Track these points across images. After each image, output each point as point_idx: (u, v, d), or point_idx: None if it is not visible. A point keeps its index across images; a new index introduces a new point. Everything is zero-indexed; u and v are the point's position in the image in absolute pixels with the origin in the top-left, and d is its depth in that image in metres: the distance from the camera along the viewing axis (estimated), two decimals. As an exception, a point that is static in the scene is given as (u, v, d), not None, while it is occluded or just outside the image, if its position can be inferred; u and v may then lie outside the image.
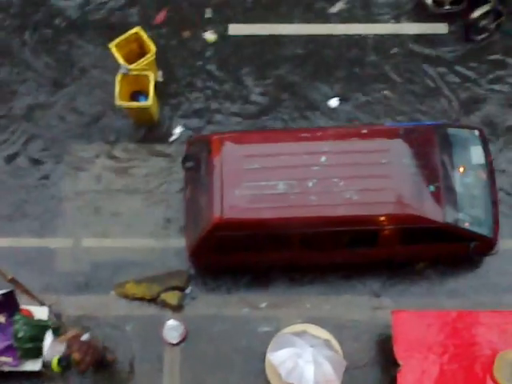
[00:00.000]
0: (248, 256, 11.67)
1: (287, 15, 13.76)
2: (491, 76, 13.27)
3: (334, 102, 13.16)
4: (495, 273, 12.30)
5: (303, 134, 11.71)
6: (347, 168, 11.32)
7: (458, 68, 13.34)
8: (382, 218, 11.22)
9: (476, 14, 13.05)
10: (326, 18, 13.72)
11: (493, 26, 13.27)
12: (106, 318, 12.24)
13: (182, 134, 13.03)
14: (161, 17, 13.74)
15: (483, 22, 13.20)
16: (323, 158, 11.38)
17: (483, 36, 13.35)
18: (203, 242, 11.46)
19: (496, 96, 13.16)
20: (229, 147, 11.53)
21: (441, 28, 13.62)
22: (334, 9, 13.75)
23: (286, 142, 11.58)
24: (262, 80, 13.34)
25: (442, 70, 13.34)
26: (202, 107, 13.24)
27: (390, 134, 11.61)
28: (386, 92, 13.21)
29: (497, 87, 13.21)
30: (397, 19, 13.69)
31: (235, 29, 13.69)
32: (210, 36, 13.64)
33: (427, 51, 13.46)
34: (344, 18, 13.71)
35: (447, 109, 13.08)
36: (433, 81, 13.29)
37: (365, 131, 11.63)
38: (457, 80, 13.27)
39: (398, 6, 13.78)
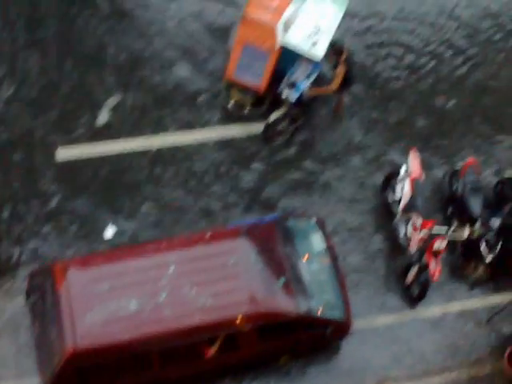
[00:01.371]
0: (110, 381, 11.13)
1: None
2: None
3: (110, 231, 12.90)
4: (353, 355, 12.50)
5: (148, 248, 11.58)
6: (196, 275, 11.26)
7: (254, 166, 13.64)
8: (238, 320, 11.16)
9: (272, 117, 13.52)
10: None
11: (290, 129, 13.76)
12: None
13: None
14: None
15: (281, 125, 13.67)
16: (171, 269, 11.26)
17: (281, 138, 13.80)
18: (59, 377, 10.82)
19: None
20: (73, 273, 11.14)
21: (242, 130, 13.93)
22: (100, 121, 13.66)
23: (131, 258, 11.37)
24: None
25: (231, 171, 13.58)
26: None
27: (233, 234, 11.73)
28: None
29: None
30: (201, 125, 13.83)
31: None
32: None
33: (224, 155, 13.64)
34: (114, 132, 13.55)
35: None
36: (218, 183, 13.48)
37: (208, 235, 11.67)
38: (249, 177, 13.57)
39: (201, 111, 13.98)
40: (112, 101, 13.85)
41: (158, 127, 13.74)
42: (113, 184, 13.24)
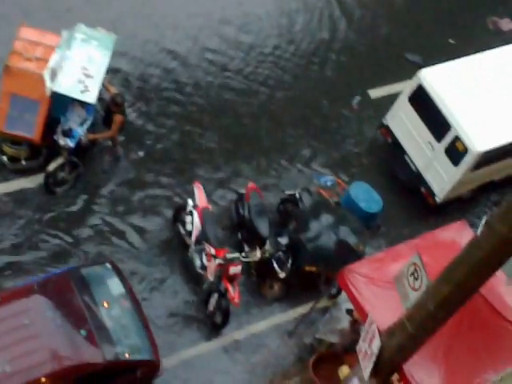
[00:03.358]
0: None
1: None
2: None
3: None
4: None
5: None
6: (-11, 342, 10.71)
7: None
8: (44, 380, 10.73)
9: (51, 167, 13.23)
10: None
11: (71, 177, 13.56)
12: None
13: None
14: None
15: (61, 174, 13.42)
16: None
17: (64, 188, 13.56)
18: None
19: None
20: None
21: (25, 183, 13.53)
22: None
23: None
24: None
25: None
26: None
27: (25, 292, 11.28)
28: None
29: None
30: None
31: None
32: None
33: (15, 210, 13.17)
34: None
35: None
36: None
37: (-2, 298, 11.18)
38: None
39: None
40: None
41: None
42: None
